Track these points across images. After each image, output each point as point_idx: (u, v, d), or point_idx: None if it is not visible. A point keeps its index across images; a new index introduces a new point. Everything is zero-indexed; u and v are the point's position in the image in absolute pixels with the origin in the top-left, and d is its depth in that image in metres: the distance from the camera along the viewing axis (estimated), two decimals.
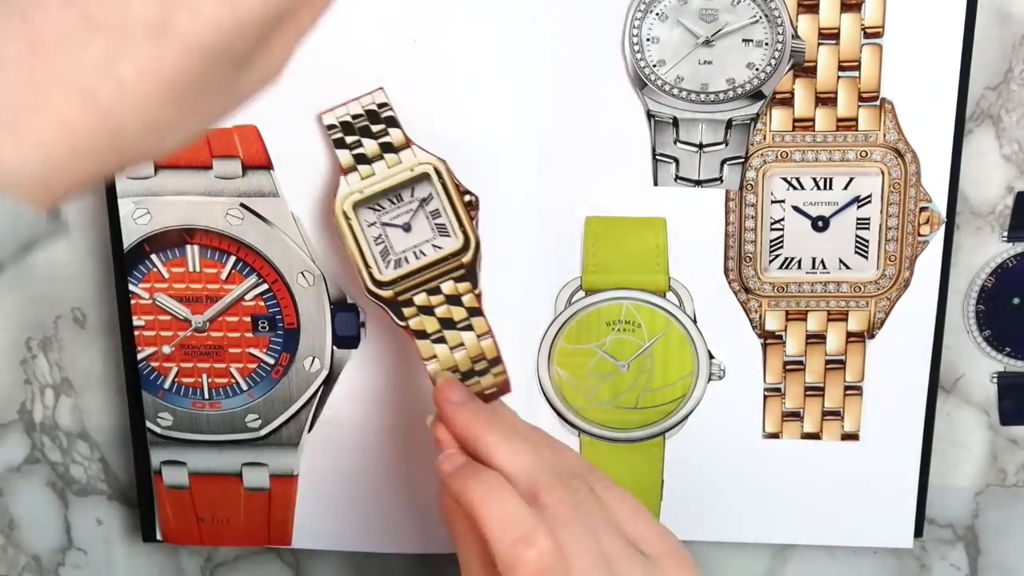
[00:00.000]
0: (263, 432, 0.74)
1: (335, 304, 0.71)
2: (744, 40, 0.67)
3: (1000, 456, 0.76)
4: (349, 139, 0.67)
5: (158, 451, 0.75)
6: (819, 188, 0.69)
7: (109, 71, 0.42)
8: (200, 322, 0.72)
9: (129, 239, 0.71)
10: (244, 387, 0.73)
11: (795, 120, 0.68)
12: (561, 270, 0.72)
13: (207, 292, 0.71)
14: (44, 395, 0.78)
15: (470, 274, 0.67)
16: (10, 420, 0.78)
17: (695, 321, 0.72)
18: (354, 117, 0.67)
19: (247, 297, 0.71)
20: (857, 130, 0.68)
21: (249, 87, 0.48)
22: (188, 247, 0.70)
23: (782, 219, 0.70)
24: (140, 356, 0.73)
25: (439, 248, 0.66)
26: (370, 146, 0.66)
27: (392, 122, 0.66)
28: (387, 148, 0.66)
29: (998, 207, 0.72)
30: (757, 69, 0.67)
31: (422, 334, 0.66)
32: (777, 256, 0.71)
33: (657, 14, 0.67)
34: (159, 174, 0.69)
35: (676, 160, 0.69)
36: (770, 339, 0.72)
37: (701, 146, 0.69)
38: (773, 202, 0.70)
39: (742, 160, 0.69)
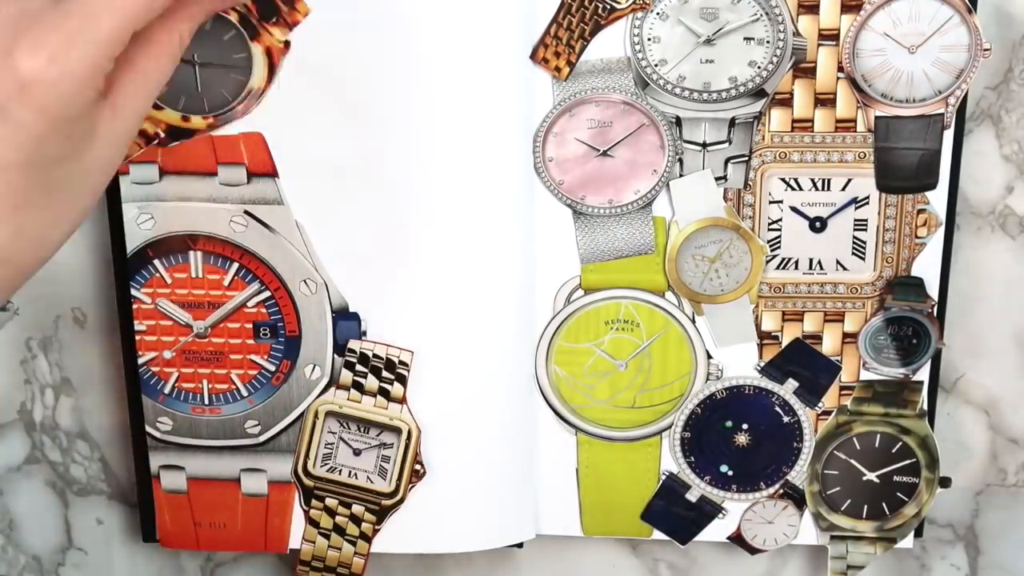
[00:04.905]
0: (262, 438, 0.74)
1: (337, 312, 0.71)
2: (745, 38, 0.67)
3: (1000, 456, 0.77)
4: (359, 367, 0.71)
5: (157, 455, 0.74)
6: (817, 189, 0.69)
7: None
8: (202, 328, 0.72)
9: (132, 244, 0.70)
10: (244, 393, 0.73)
11: (794, 121, 0.68)
12: (560, 268, 0.72)
13: (209, 298, 0.71)
14: (44, 395, 0.78)
15: (381, 513, 0.73)
16: (10, 420, 0.78)
17: (693, 321, 0.72)
18: (374, 356, 0.71)
19: (249, 304, 0.71)
20: (856, 131, 0.68)
21: (100, 159, 0.54)
22: (191, 253, 0.70)
23: (780, 219, 0.70)
24: (141, 360, 0.73)
25: (371, 482, 0.73)
26: (371, 383, 0.71)
27: (402, 379, 0.71)
28: (384, 393, 0.72)
29: (998, 207, 0.72)
30: (759, 67, 0.67)
31: (315, 523, 0.75)
32: (774, 256, 0.71)
33: (658, 14, 0.67)
34: (164, 180, 0.69)
35: (680, 159, 0.69)
36: (766, 340, 0.72)
37: (705, 145, 0.69)
38: (771, 202, 0.70)
39: (746, 158, 0.69)
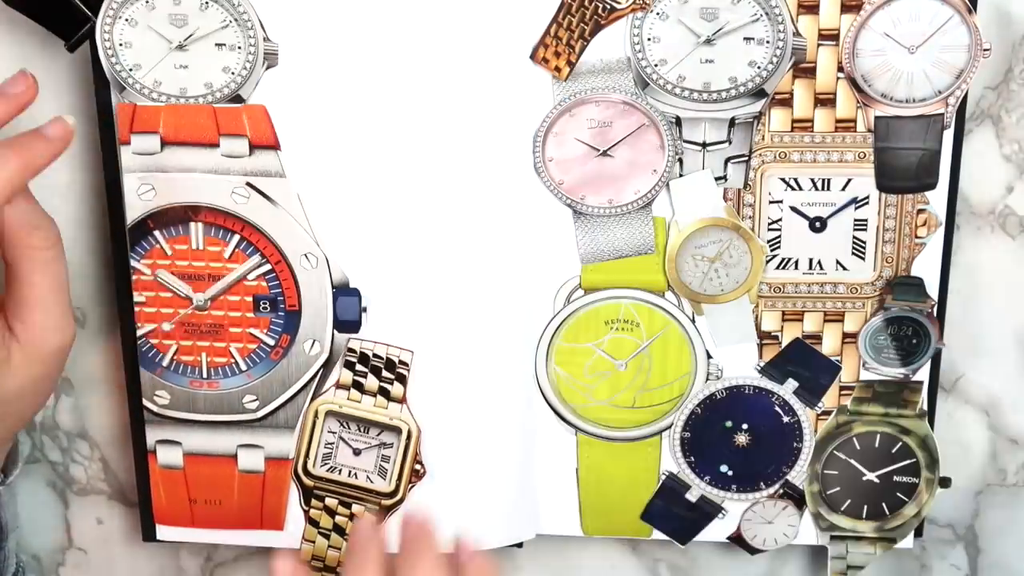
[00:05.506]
0: (260, 414, 0.74)
1: (337, 288, 0.71)
2: (745, 38, 0.67)
3: (1000, 456, 0.76)
4: (359, 367, 0.72)
5: (154, 430, 0.74)
6: (817, 189, 0.70)
7: None
8: (201, 300, 0.71)
9: (133, 215, 0.70)
10: (243, 367, 0.73)
11: (794, 121, 0.69)
12: (560, 268, 0.72)
13: (209, 270, 0.71)
14: None
15: (380, 511, 0.74)
16: None
17: (693, 321, 0.72)
18: (374, 356, 0.72)
19: (250, 277, 0.71)
20: (856, 131, 0.69)
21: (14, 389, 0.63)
22: (192, 224, 0.70)
23: (780, 219, 0.70)
24: (140, 332, 0.72)
25: (371, 482, 0.74)
26: (371, 383, 0.72)
27: (402, 379, 0.72)
28: (384, 392, 0.72)
29: (998, 207, 0.72)
30: (759, 67, 0.68)
31: (315, 523, 0.75)
32: (774, 256, 0.71)
33: (658, 14, 0.67)
34: (165, 150, 0.69)
35: (680, 159, 0.69)
36: (766, 339, 0.72)
37: (705, 145, 0.69)
38: (771, 202, 0.70)
39: (746, 158, 0.69)
